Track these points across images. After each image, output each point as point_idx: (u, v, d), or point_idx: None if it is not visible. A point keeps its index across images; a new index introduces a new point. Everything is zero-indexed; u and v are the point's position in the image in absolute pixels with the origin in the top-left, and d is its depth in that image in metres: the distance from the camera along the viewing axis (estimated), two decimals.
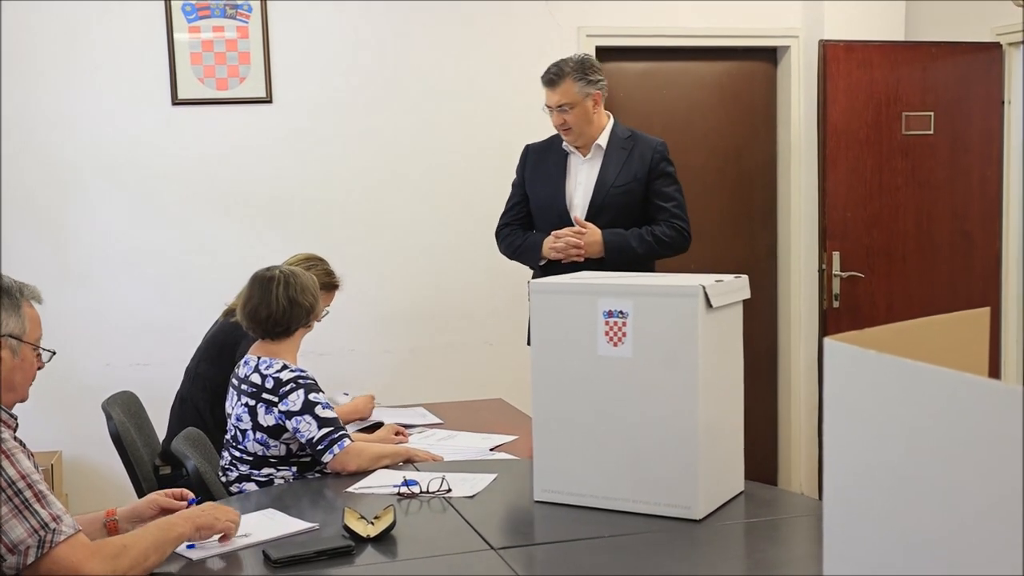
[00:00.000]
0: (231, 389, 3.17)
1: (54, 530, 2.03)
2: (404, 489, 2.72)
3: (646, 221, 3.86)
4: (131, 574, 2.12)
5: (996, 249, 5.10)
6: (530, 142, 4.07)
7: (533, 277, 4.03)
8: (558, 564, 2.31)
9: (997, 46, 4.95)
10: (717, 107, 5.42)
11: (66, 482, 4.66)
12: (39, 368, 2.34)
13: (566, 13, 5.07)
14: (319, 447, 2.95)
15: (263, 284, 3.08)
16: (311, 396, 2.98)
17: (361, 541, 2.35)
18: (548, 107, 3.86)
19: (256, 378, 3.04)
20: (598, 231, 3.77)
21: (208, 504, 2.48)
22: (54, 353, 2.35)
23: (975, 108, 5.06)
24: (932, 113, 5.05)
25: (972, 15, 4.99)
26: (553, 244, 3.81)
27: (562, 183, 3.91)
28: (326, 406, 3.00)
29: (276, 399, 2.98)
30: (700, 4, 5.22)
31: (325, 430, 2.95)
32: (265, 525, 2.50)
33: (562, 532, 2.47)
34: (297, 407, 2.96)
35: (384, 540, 2.37)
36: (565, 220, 3.86)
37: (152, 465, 3.72)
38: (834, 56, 4.93)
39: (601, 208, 3.83)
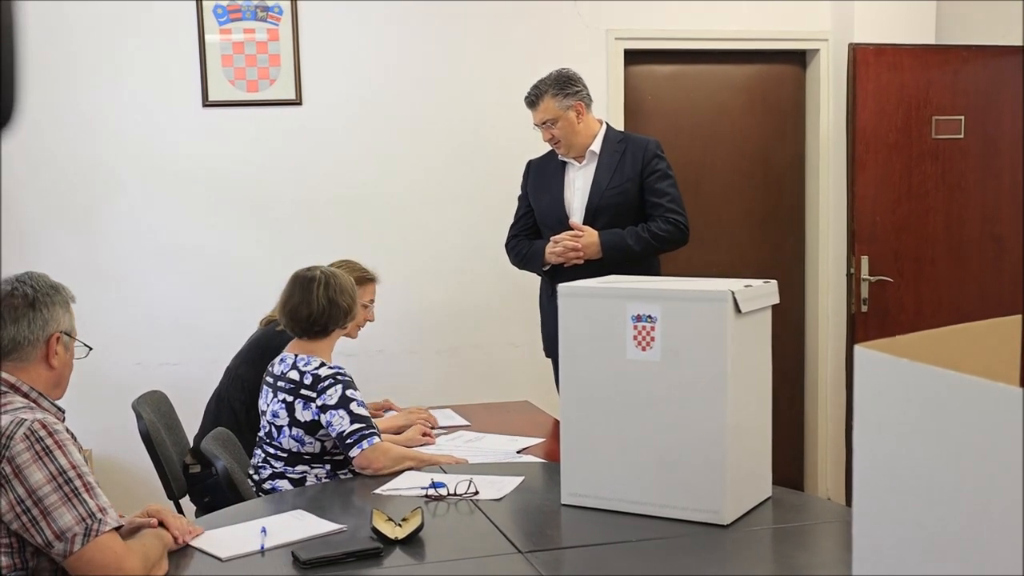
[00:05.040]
0: (264, 387, 3.22)
1: (100, 520, 2.11)
2: (432, 491, 2.74)
3: (645, 219, 3.97)
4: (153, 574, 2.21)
5: None
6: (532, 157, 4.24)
7: (541, 283, 4.11)
8: (585, 568, 2.32)
9: None
10: (746, 110, 5.41)
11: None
12: None
13: (595, 16, 5.07)
14: (348, 441, 3.00)
15: (304, 284, 3.18)
16: (348, 392, 3.05)
17: (389, 543, 2.37)
18: (536, 125, 4.02)
19: (294, 375, 3.10)
20: (594, 232, 3.91)
21: (167, 517, 2.41)
22: (91, 349, 2.41)
23: (1006, 112, 5.03)
24: (962, 117, 5.02)
25: (1003, 18, 4.95)
26: (552, 249, 3.96)
27: (561, 191, 4.07)
28: (361, 404, 3.06)
29: (315, 394, 3.05)
30: (729, 7, 5.20)
31: (357, 425, 3.01)
32: (293, 526, 2.51)
33: (589, 536, 2.47)
34: (334, 401, 3.03)
35: (412, 542, 2.38)
36: (566, 226, 3.99)
37: (181, 464, 3.75)
38: (864, 59, 4.91)
39: (598, 211, 3.96)
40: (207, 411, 3.93)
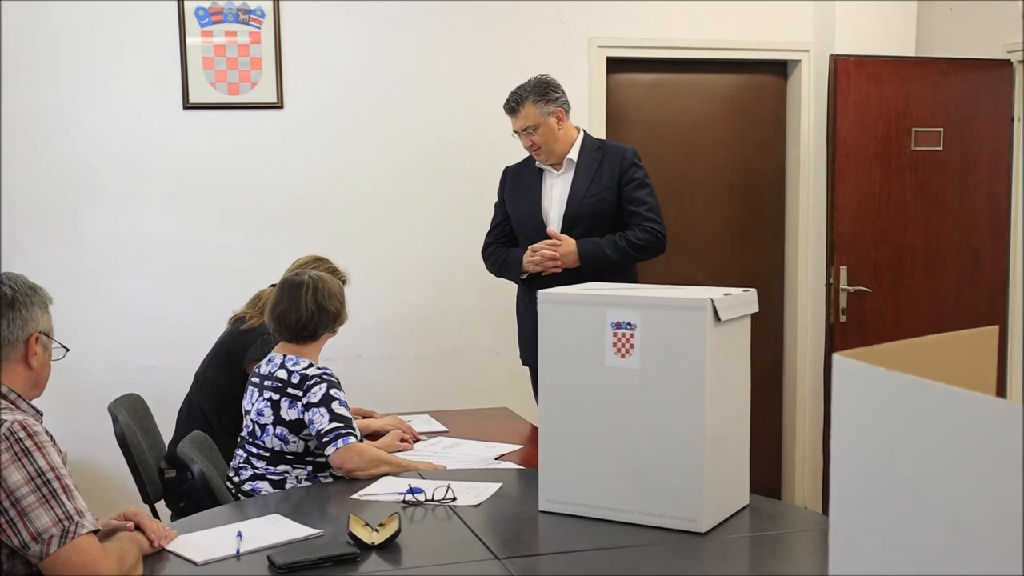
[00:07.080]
0: (250, 387, 3.22)
1: (77, 522, 2.10)
2: (409, 497, 2.73)
3: (622, 228, 3.97)
4: None
5: (1004, 265, 5.09)
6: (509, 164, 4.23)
7: (518, 291, 4.11)
8: (562, 575, 2.31)
9: (1007, 63, 4.95)
10: (727, 119, 5.43)
11: None
12: None
13: (578, 24, 5.08)
14: (325, 439, 3.01)
15: (293, 289, 3.20)
16: (332, 391, 3.08)
17: (366, 548, 2.35)
18: (515, 132, 4.01)
19: (282, 374, 3.12)
20: (572, 242, 3.91)
21: (143, 520, 2.41)
22: (68, 350, 2.40)
23: (984, 125, 5.06)
24: (941, 129, 5.05)
25: (983, 32, 5.00)
26: (530, 258, 3.96)
27: (538, 199, 4.06)
28: (343, 404, 3.08)
29: (301, 393, 3.07)
30: (711, 17, 5.23)
31: (336, 424, 3.02)
32: (270, 530, 2.50)
33: (567, 543, 2.47)
34: (317, 399, 3.05)
35: (389, 548, 2.37)
36: (543, 234, 3.99)
37: (157, 468, 3.73)
38: (844, 70, 4.94)
39: (576, 219, 3.96)
40: (179, 418, 3.91)
